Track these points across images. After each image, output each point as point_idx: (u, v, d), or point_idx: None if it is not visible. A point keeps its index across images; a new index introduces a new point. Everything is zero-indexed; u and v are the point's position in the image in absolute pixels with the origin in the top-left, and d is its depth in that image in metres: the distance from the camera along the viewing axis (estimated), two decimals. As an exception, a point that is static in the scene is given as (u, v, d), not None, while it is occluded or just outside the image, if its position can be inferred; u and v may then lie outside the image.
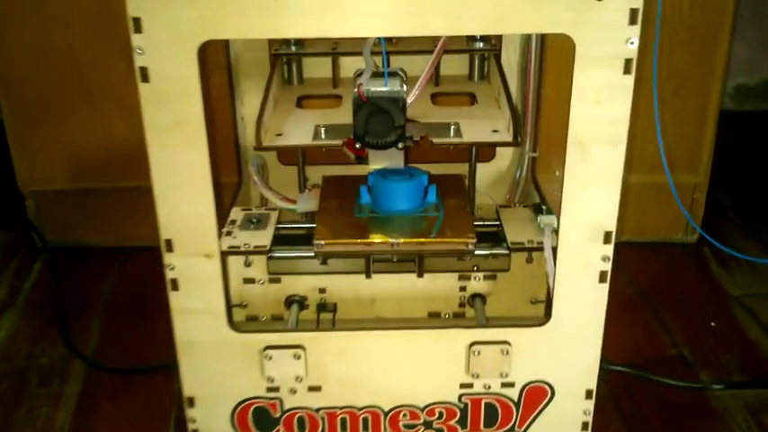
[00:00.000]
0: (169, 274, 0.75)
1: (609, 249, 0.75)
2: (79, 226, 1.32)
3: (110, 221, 1.31)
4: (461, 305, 0.91)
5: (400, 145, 0.83)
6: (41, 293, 1.22)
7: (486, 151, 1.05)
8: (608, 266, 0.76)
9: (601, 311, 0.78)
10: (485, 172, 1.06)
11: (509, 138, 0.88)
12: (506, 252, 0.86)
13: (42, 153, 1.27)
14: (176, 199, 0.71)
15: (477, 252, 0.84)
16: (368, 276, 0.86)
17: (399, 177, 0.86)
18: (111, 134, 1.24)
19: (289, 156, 1.04)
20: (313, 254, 0.82)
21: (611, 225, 0.74)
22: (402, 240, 0.81)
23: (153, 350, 1.06)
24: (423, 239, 0.82)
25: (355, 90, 0.79)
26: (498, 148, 1.07)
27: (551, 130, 1.15)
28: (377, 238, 0.82)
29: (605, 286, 0.77)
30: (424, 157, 1.04)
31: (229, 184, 0.98)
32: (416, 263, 0.86)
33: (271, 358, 0.79)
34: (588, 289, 0.77)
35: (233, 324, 0.78)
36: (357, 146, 0.83)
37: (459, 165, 1.00)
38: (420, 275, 0.87)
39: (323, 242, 0.81)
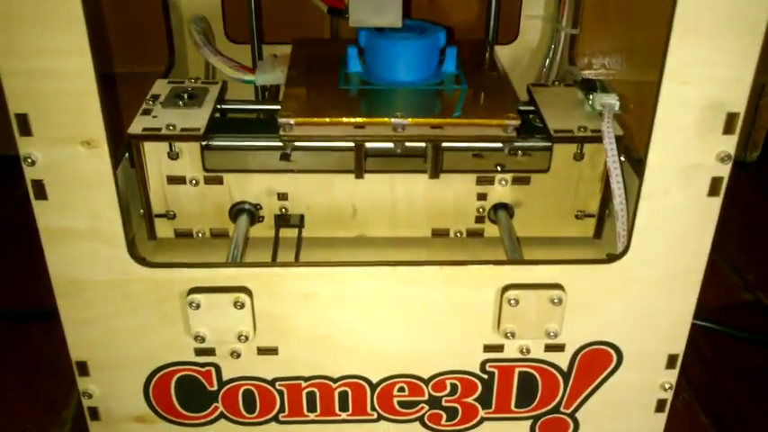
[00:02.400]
0: (29, 173, 0.47)
1: (730, 143, 0.47)
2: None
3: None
4: (479, 220, 0.63)
5: (399, -18, 0.55)
6: None
7: (507, 26, 0.80)
8: (725, 170, 0.49)
9: (706, 239, 0.51)
10: (503, 58, 0.80)
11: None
12: (547, 144, 0.60)
13: None
14: (26, 43, 0.43)
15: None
16: (358, 176, 0.59)
17: (405, 33, 0.58)
18: None
19: (239, 27, 0.77)
20: (279, 140, 0.56)
21: (739, 104, 0.46)
22: (410, 121, 0.54)
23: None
24: (441, 120, 0.55)
25: None
26: (525, 24, 0.81)
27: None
28: (372, 118, 0.56)
29: (717, 202, 0.50)
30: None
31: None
32: (428, 156, 0.59)
33: (198, 307, 0.51)
34: (691, 205, 0.50)
35: (138, 254, 0.51)
36: (332, -14, 0.55)
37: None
38: (434, 176, 0.60)
39: (292, 121, 0.55)
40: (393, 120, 0.55)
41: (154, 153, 0.58)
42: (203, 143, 0.58)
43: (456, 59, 0.62)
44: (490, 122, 0.56)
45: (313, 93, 0.60)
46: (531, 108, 0.64)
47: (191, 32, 0.67)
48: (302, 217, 0.62)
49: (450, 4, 0.87)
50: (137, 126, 0.58)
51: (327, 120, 0.55)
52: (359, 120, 0.56)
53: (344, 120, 0.55)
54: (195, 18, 0.69)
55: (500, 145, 0.58)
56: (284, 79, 0.62)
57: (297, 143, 0.57)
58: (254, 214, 0.61)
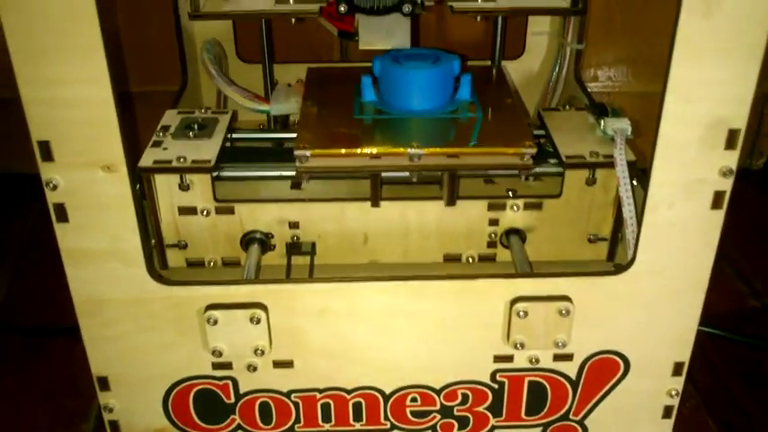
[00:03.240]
0: (51, 197, 0.48)
1: (732, 158, 0.49)
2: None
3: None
4: (491, 245, 0.64)
5: (406, 8, 0.57)
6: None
7: (513, 42, 0.81)
8: (728, 184, 0.50)
9: (710, 251, 0.52)
10: (509, 73, 0.81)
11: (565, 2, 0.61)
12: (559, 170, 0.60)
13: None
14: (47, 73, 0.44)
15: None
16: (374, 204, 0.60)
17: (419, 62, 0.59)
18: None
19: (250, 48, 0.78)
20: (293, 171, 0.57)
21: (740, 121, 0.47)
22: (426, 151, 0.55)
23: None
24: (458, 149, 0.56)
25: None
26: (530, 40, 0.82)
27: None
28: (388, 148, 0.56)
29: (720, 215, 0.51)
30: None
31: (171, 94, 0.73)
32: (444, 184, 0.60)
33: (216, 322, 0.53)
34: (694, 217, 0.51)
35: (157, 273, 0.52)
36: (341, 10, 0.57)
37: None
38: (451, 203, 0.61)
39: (308, 153, 0.56)
40: (409, 150, 0.56)
41: (165, 185, 0.59)
42: (214, 174, 0.59)
43: (471, 87, 0.62)
44: (507, 151, 0.56)
45: (328, 123, 0.60)
46: (542, 133, 0.64)
47: (204, 62, 0.68)
48: (314, 244, 0.63)
49: (457, 23, 0.88)
50: (147, 158, 0.58)
51: (343, 151, 0.56)
52: (375, 150, 0.56)
53: (360, 151, 0.56)
54: (207, 45, 0.70)
55: (512, 171, 0.59)
56: (298, 108, 0.63)
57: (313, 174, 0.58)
58: (265, 243, 0.62)
